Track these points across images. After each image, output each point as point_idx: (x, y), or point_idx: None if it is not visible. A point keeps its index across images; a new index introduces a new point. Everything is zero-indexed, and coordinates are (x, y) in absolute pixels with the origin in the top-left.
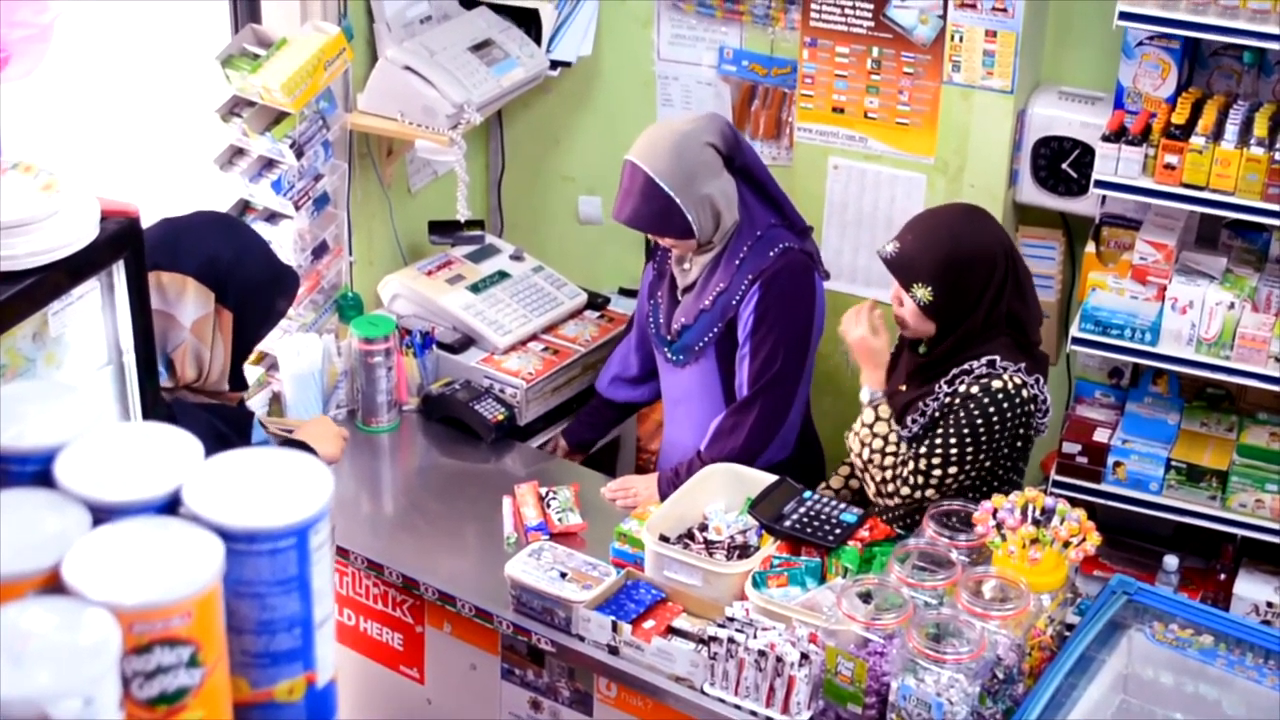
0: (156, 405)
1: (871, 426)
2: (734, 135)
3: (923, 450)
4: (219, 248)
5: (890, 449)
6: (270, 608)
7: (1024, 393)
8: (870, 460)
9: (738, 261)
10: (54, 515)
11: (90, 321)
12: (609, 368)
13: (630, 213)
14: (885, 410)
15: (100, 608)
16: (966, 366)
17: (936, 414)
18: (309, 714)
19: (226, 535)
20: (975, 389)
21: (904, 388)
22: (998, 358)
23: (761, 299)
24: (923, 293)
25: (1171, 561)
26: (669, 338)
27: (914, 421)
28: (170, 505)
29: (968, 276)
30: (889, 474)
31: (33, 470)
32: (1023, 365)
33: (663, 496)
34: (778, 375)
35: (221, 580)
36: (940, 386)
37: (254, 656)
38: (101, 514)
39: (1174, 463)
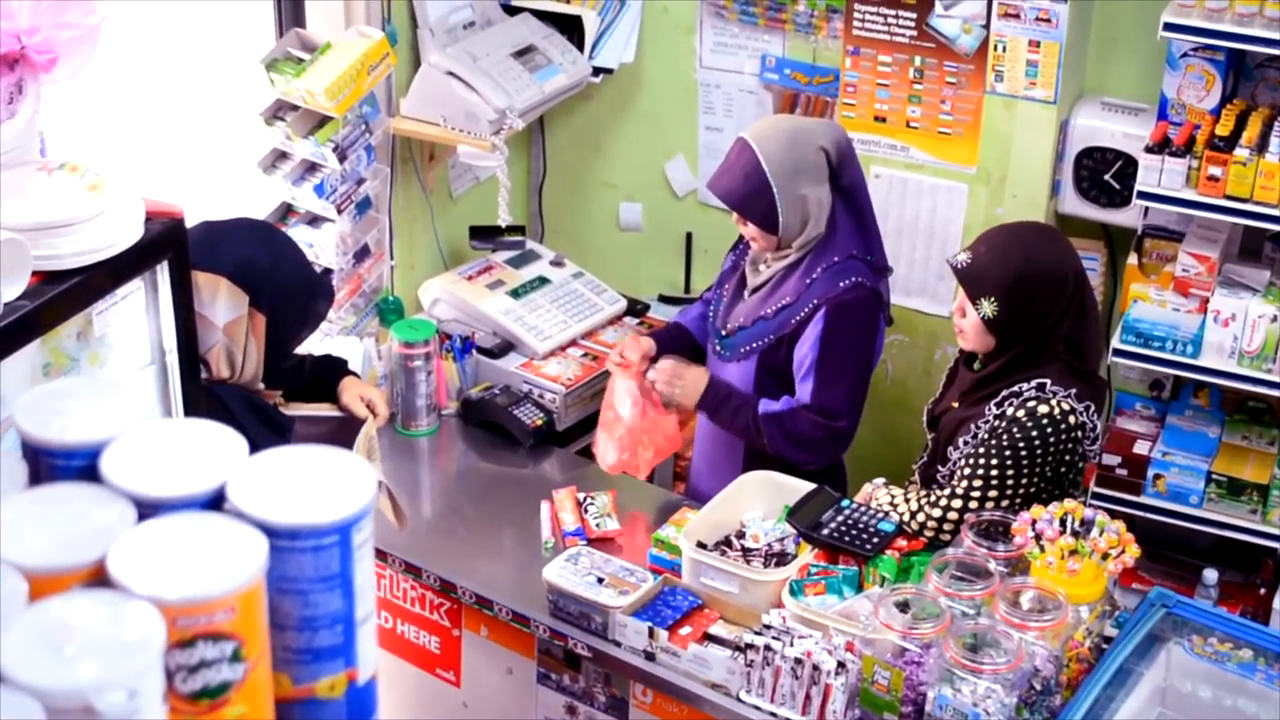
0: (199, 397)
1: (884, 505)
2: (850, 153)
3: (965, 473)
4: (256, 252)
5: (900, 500)
6: (313, 604)
7: (1070, 419)
8: (897, 508)
9: (809, 281)
10: (100, 510)
11: (134, 321)
12: (685, 312)
13: (725, 186)
14: (882, 492)
15: (145, 601)
16: (1016, 389)
17: (984, 436)
18: (350, 711)
19: (270, 531)
20: (1021, 413)
21: (956, 405)
22: (1049, 381)
23: (827, 329)
24: (989, 307)
25: (1211, 575)
26: (723, 332)
27: (965, 442)
28: (215, 501)
29: (1035, 296)
30: (914, 507)
31: (79, 465)
32: (1073, 391)
33: (703, 403)
34: (848, 418)
35: (265, 576)
36: (989, 409)
37: (296, 653)
38: (147, 509)
39: (1214, 476)
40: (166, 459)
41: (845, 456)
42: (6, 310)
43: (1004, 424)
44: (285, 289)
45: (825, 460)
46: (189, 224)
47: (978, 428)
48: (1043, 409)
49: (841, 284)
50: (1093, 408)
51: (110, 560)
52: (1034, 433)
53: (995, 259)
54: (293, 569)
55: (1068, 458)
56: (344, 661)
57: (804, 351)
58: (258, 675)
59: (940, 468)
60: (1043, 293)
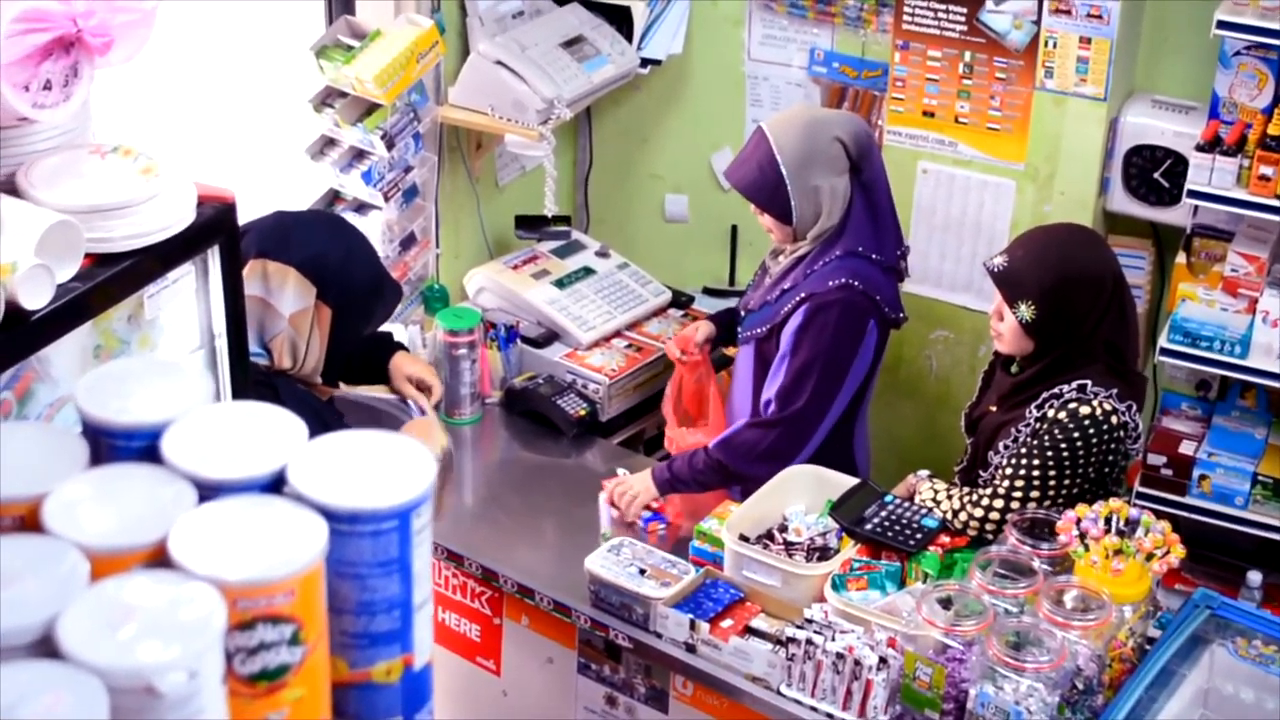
0: (257, 381)
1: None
2: (870, 144)
3: (1007, 473)
4: (328, 246)
5: (943, 497)
6: (371, 589)
7: (1113, 419)
8: (940, 505)
9: (808, 273)
10: (160, 491)
11: (184, 305)
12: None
13: (740, 176)
14: (925, 485)
15: (206, 583)
16: (1056, 391)
17: (1026, 438)
18: (405, 696)
19: (330, 515)
20: (1063, 414)
21: (994, 408)
22: (1089, 382)
23: (802, 326)
24: (1027, 310)
25: (1255, 577)
26: (742, 313)
27: (1005, 447)
28: (275, 484)
29: (1074, 299)
30: (956, 505)
31: (139, 446)
32: (1115, 391)
33: (659, 487)
34: (801, 408)
35: (324, 560)
36: (1030, 411)
37: (353, 637)
38: (207, 491)
39: (1260, 477)
40: (227, 441)
41: (884, 450)
42: (59, 292)
43: (1046, 426)
44: (353, 285)
45: (787, 462)
46: (243, 211)
47: (1018, 431)
48: (1084, 410)
49: (830, 283)
50: (1134, 407)
51: (171, 541)
52: (1076, 434)
53: (1033, 262)
54: (351, 553)
55: (1110, 458)
56: (400, 647)
57: (782, 342)
58: (316, 659)
59: (981, 472)
60: (1081, 295)
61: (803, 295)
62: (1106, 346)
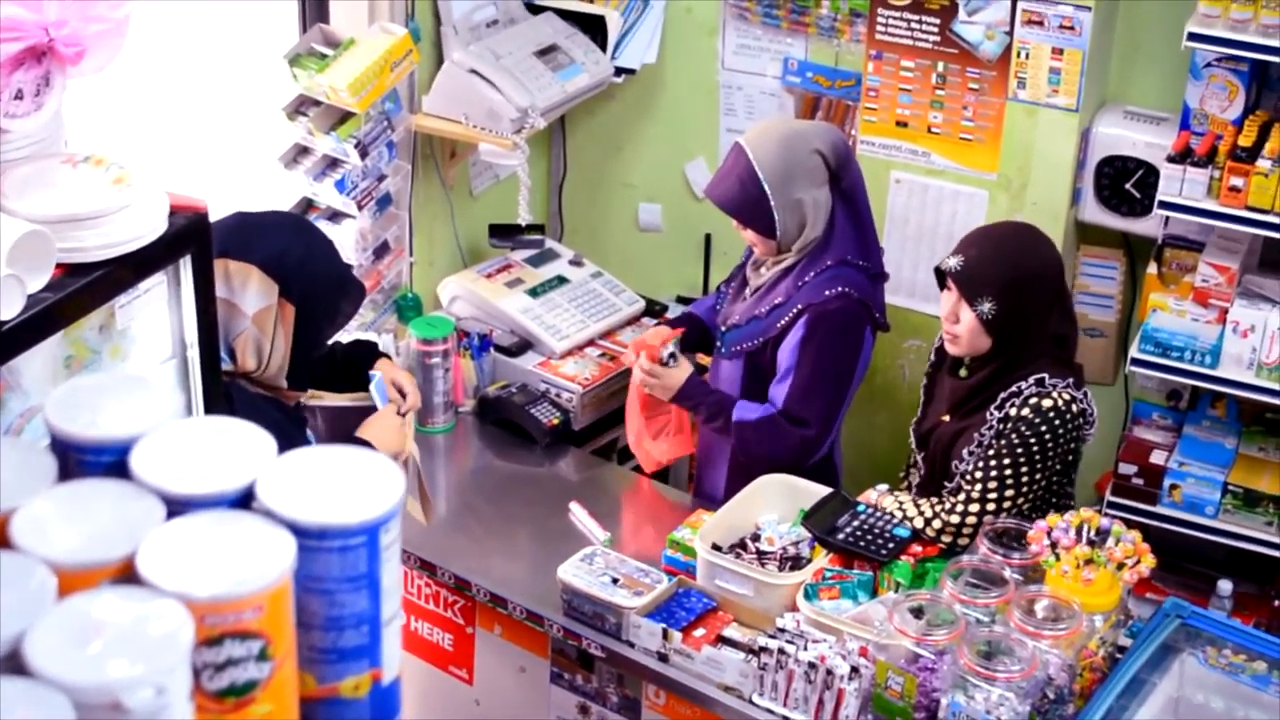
0: (220, 392)
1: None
2: (847, 154)
3: (978, 476)
4: (289, 244)
5: (910, 508)
6: (339, 604)
7: (1074, 407)
8: (908, 516)
9: (800, 284)
10: (129, 506)
11: (156, 315)
12: (698, 304)
13: (721, 193)
14: (888, 499)
15: (173, 599)
16: (1015, 389)
17: (991, 439)
18: (373, 711)
19: (298, 531)
20: (1026, 410)
21: (947, 418)
22: (1045, 375)
23: (806, 337)
24: (987, 306)
25: (1225, 586)
26: (723, 328)
27: (969, 453)
28: (244, 500)
29: (1032, 293)
30: (928, 514)
31: (108, 461)
32: (1070, 380)
33: (679, 401)
34: (819, 417)
35: (292, 576)
36: (991, 413)
37: (321, 652)
38: (176, 506)
39: (1231, 487)
40: (196, 456)
41: (859, 459)
42: (30, 302)
43: (1010, 424)
44: (315, 282)
45: (803, 463)
46: (219, 215)
47: (981, 435)
48: (1047, 403)
49: (827, 292)
50: (1088, 394)
51: (139, 557)
52: (1043, 427)
53: (989, 259)
54: (320, 568)
55: (1074, 445)
56: (369, 662)
57: (784, 356)
58: (284, 674)
59: (946, 484)
60: (1037, 288)
61: (800, 307)
62: (1054, 339)
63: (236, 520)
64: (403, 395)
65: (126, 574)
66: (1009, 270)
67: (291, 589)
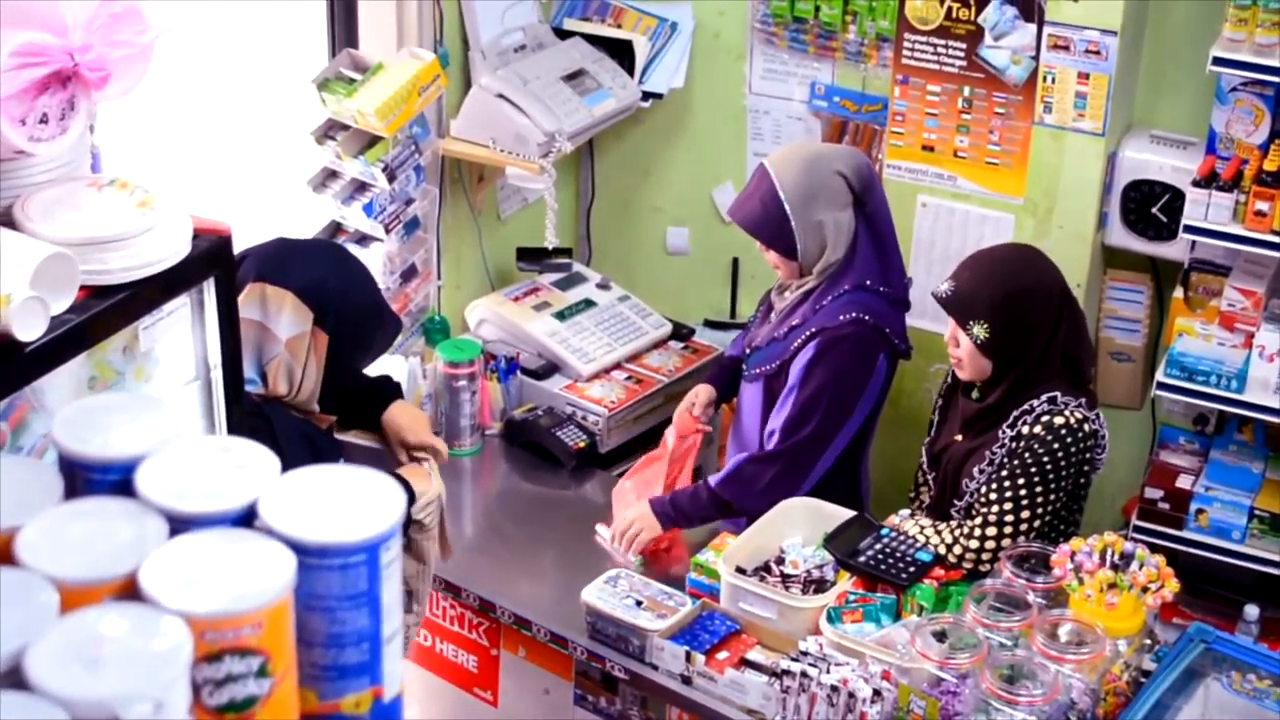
0: (249, 411)
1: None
2: (871, 177)
3: (993, 499)
4: (328, 273)
5: (932, 534)
6: (340, 621)
7: (1086, 427)
8: (930, 542)
9: (817, 308)
10: (133, 524)
11: (179, 337)
12: (734, 344)
13: (744, 213)
14: (910, 524)
15: (174, 615)
16: (1027, 406)
17: (1003, 458)
18: None
19: (299, 549)
20: (1038, 428)
21: (959, 438)
22: (1058, 394)
23: (814, 360)
24: (979, 330)
25: (1252, 611)
26: (747, 351)
27: (980, 471)
28: (246, 518)
29: (1024, 312)
30: (949, 540)
31: (114, 479)
32: (1082, 400)
33: (662, 522)
34: (805, 440)
35: (293, 593)
36: (1003, 431)
37: (322, 669)
38: (179, 524)
39: (1257, 511)
40: (200, 475)
41: (885, 482)
42: (54, 324)
43: (1023, 443)
44: (351, 313)
45: (790, 494)
46: (250, 239)
47: (993, 454)
48: (1059, 420)
49: (841, 317)
50: (1100, 416)
51: (141, 574)
52: (1055, 445)
53: (978, 282)
54: (320, 586)
55: (1085, 467)
56: (370, 679)
57: (791, 376)
58: (284, 691)
59: (956, 502)
60: (1030, 308)
61: (813, 330)
62: (1064, 359)
63: (238, 538)
64: (429, 450)
65: (129, 590)
66: (996, 292)
67: (291, 606)
